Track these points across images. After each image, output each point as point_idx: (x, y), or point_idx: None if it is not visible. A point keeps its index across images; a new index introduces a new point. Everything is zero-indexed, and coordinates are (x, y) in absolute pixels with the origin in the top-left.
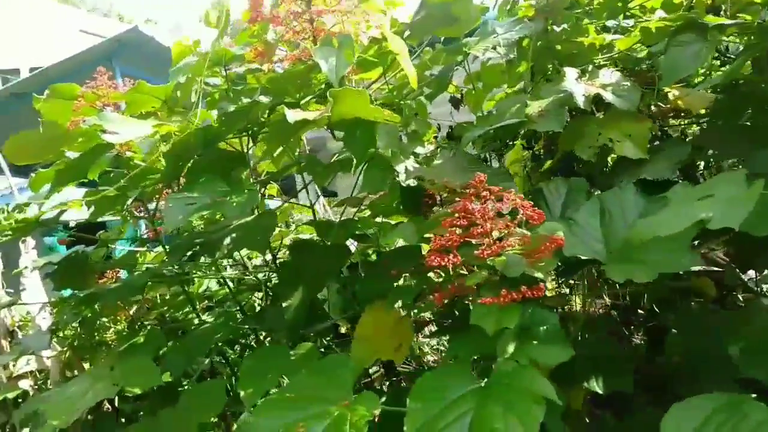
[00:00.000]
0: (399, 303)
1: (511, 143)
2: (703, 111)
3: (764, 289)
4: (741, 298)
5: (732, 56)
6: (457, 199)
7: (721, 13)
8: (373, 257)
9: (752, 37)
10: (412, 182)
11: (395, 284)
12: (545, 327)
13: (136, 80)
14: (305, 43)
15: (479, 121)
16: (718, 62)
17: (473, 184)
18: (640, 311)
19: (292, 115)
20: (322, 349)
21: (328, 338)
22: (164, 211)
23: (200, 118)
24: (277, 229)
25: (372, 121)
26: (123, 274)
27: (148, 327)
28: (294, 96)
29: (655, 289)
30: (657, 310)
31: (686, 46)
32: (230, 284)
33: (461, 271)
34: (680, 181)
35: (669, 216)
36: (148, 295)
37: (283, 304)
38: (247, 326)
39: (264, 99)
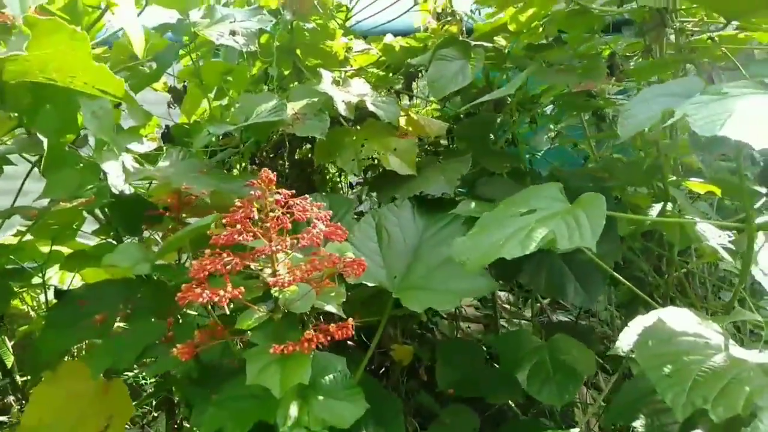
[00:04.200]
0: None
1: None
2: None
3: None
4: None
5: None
6: (238, 203)
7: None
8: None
9: (507, 63)
10: (128, 189)
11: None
12: (331, 376)
13: None
14: None
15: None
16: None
17: (258, 185)
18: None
19: None
20: None
21: None
22: None
23: None
24: None
25: (72, 91)
26: None
27: None
28: None
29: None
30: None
31: (450, 61)
32: None
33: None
34: (462, 198)
35: (504, 236)
36: None
37: None
38: None
39: None
